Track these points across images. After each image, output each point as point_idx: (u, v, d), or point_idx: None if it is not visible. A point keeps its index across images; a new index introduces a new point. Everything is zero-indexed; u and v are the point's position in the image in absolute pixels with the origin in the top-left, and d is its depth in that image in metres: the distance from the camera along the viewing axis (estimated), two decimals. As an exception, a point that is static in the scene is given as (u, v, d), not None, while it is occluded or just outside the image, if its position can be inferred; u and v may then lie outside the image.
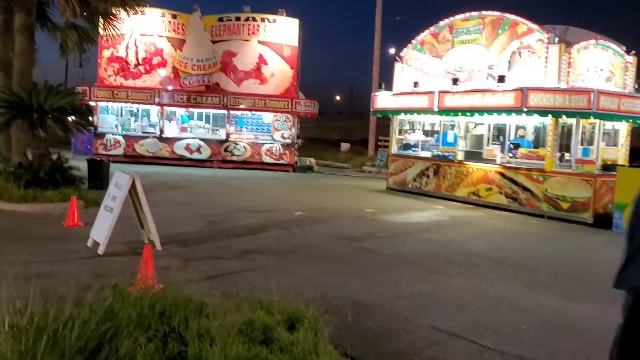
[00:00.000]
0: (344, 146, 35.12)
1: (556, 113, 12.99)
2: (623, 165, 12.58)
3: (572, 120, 13.39)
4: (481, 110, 14.48)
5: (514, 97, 13.49)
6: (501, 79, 13.80)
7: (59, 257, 7.63)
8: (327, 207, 13.66)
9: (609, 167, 13.55)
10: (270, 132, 23.71)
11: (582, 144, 14.14)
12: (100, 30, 16.30)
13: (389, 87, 18.32)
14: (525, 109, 13.26)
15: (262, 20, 23.34)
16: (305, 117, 24.46)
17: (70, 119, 13.62)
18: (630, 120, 13.97)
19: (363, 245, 9.55)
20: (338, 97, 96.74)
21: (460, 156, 15.78)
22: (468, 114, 14.95)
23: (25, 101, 12.30)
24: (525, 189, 13.89)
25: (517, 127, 15.52)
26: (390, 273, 7.76)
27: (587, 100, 12.48)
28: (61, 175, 12.28)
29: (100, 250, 7.85)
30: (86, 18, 15.63)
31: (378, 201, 15.35)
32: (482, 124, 15.75)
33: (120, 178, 8.19)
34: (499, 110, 14.05)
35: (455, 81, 15.09)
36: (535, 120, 14.53)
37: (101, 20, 15.68)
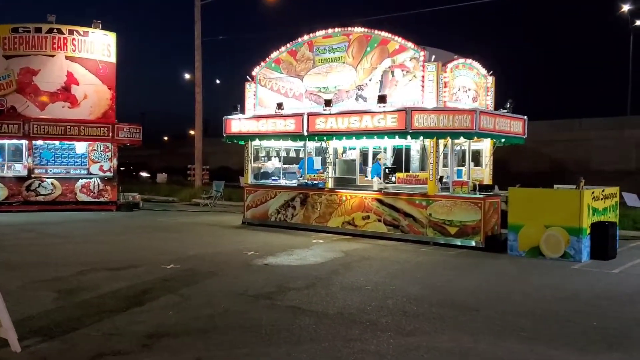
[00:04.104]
0: (161, 177, 31.86)
1: (441, 134, 12.35)
2: (514, 186, 12.26)
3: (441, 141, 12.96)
4: (359, 134, 13.28)
5: (397, 119, 12.55)
6: (382, 99, 12.77)
7: None
8: (198, 254, 11.21)
9: (481, 188, 13.32)
10: (85, 165, 19.91)
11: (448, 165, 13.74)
12: None
13: (227, 111, 16.07)
14: (410, 131, 12.38)
15: (71, 32, 19.53)
16: (127, 146, 21.11)
17: None
18: (495, 140, 13.99)
19: (290, 304, 7.52)
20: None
21: (331, 183, 14.45)
22: (344, 137, 13.68)
23: None
24: (407, 215, 13.02)
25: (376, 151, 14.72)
26: (366, 345, 5.90)
27: (470, 120, 12.03)
28: None
29: None
30: None
31: (248, 240, 13.22)
32: (355, 148, 14.65)
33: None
34: (380, 133, 13.00)
35: (328, 103, 13.71)
36: (395, 142, 13.95)
37: None
